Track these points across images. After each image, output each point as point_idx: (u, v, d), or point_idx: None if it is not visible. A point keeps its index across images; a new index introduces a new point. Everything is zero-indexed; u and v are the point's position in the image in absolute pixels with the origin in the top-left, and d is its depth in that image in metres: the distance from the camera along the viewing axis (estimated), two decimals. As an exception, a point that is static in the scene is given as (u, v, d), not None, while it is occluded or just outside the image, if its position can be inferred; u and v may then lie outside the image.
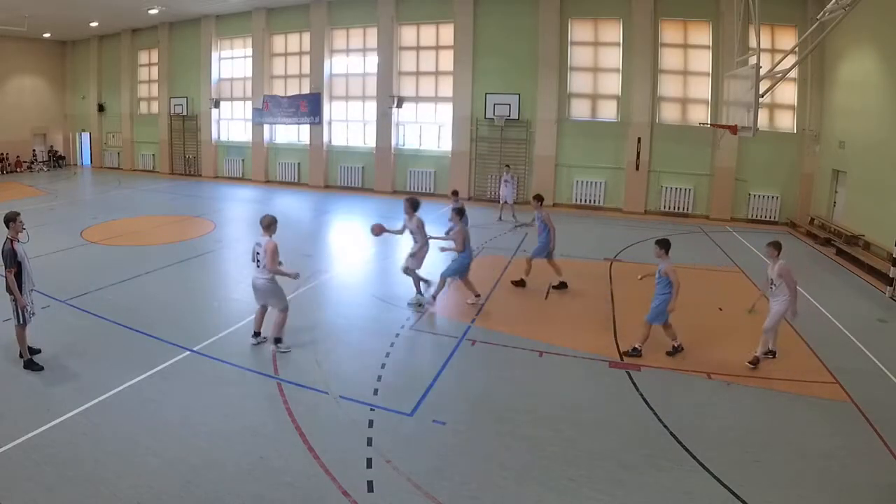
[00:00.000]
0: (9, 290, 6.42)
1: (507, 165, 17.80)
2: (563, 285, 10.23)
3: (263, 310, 7.31)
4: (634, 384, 6.65)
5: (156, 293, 9.55)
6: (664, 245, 7.23)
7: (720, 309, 9.34)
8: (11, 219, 6.48)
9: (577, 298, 9.85)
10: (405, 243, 11.33)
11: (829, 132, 16.01)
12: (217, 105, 24.98)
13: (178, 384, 6.36)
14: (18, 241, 6.47)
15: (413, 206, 9.01)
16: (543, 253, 10.24)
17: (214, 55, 24.80)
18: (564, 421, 5.80)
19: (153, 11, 22.23)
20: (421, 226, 8.99)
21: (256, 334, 7.38)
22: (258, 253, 6.93)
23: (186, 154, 26.12)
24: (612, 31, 18.52)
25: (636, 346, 7.39)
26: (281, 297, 7.13)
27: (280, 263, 6.98)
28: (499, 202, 16.85)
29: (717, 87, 17.05)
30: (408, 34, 21.03)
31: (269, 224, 7.00)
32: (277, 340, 7.14)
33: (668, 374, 6.92)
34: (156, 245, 12.93)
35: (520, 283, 10.37)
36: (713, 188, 17.86)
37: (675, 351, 7.43)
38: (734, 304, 9.56)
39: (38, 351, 6.80)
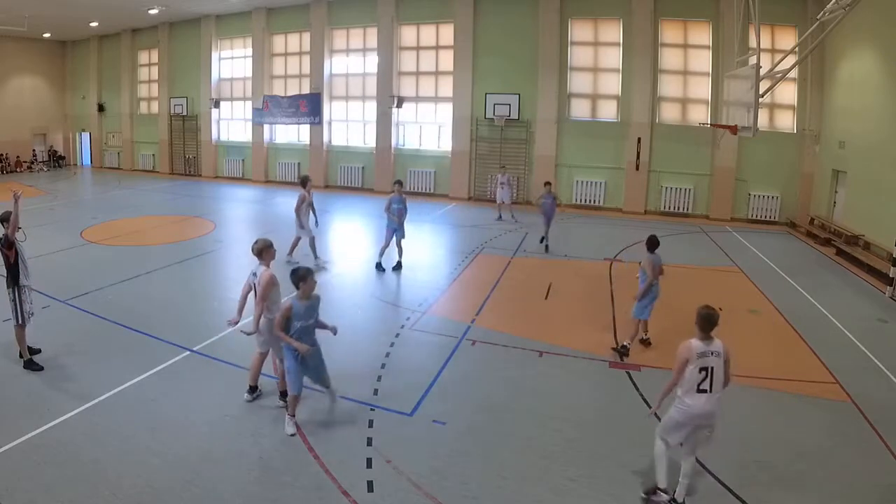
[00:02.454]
0: (9, 279, 6.45)
1: (503, 166, 17.84)
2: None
3: (262, 357, 6.01)
4: (634, 384, 6.65)
5: (156, 293, 9.54)
6: (649, 243, 7.51)
7: (720, 309, 9.31)
8: (6, 219, 6.52)
9: (577, 298, 9.84)
10: (403, 244, 11.38)
11: (829, 132, 16.01)
12: (217, 105, 24.98)
13: (178, 384, 6.35)
14: (16, 240, 6.51)
15: None
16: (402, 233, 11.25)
17: (214, 55, 24.80)
18: (564, 421, 5.80)
19: (153, 11, 22.23)
20: None
21: (253, 389, 6.03)
22: (254, 286, 5.82)
23: (186, 154, 26.12)
24: (612, 31, 18.52)
25: (645, 336, 7.64)
26: (269, 338, 5.78)
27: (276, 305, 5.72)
28: (508, 202, 16.70)
29: (717, 87, 17.05)
30: (408, 34, 21.03)
31: (263, 250, 5.84)
32: (284, 395, 5.84)
33: (669, 374, 6.86)
34: (156, 245, 12.93)
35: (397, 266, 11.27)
36: (713, 188, 17.86)
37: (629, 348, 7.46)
38: (734, 304, 9.57)
39: (38, 351, 6.80)
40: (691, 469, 4.52)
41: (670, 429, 4.52)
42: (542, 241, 13.21)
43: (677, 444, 4.55)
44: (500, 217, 16.62)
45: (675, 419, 4.49)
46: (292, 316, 5.23)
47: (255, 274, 5.86)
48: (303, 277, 5.28)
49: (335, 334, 5.54)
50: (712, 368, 4.40)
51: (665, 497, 4.52)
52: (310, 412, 5.83)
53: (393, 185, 11.47)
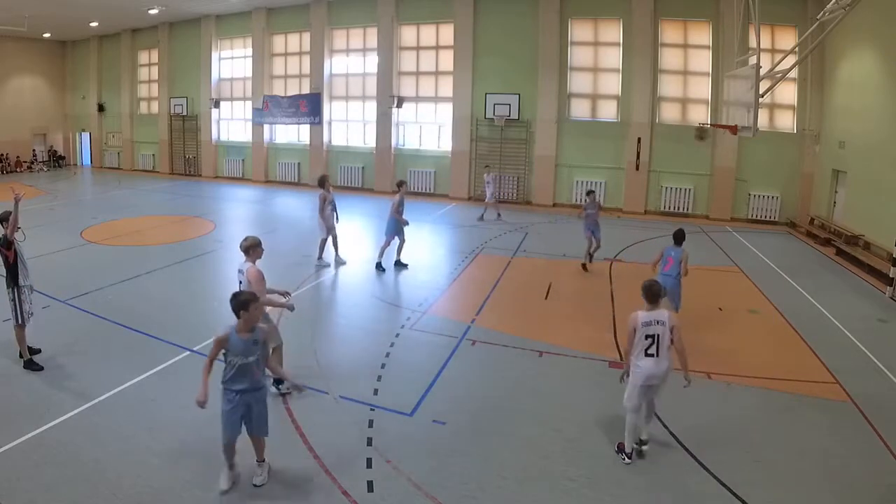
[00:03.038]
0: (8, 279, 6.44)
1: (487, 165, 18.00)
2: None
3: None
4: (634, 384, 6.64)
5: (156, 293, 9.54)
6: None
7: (720, 309, 9.35)
8: (5, 218, 6.56)
9: (577, 298, 9.84)
10: (404, 244, 11.38)
11: (829, 132, 16.01)
12: (217, 105, 24.98)
13: (178, 384, 6.34)
14: (15, 240, 6.54)
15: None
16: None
17: (214, 55, 24.80)
18: (564, 421, 5.80)
19: (153, 11, 22.24)
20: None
21: None
22: (241, 283, 5.77)
23: (186, 154, 26.12)
24: (612, 31, 18.52)
25: None
26: (275, 333, 5.96)
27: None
28: (491, 201, 16.73)
29: (717, 87, 17.05)
30: (408, 34, 21.03)
31: (250, 247, 5.88)
32: (279, 382, 6.05)
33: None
34: (156, 245, 12.93)
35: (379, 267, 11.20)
36: (713, 188, 17.86)
37: None
38: (734, 304, 9.58)
39: (38, 351, 6.80)
40: (648, 417, 5.25)
41: (632, 393, 5.08)
42: (588, 262, 11.68)
43: (642, 406, 5.13)
44: (499, 215, 16.70)
45: (633, 382, 5.07)
46: (228, 349, 4.39)
47: (241, 271, 5.85)
48: (244, 304, 4.37)
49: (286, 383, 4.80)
50: (658, 335, 4.96)
51: (628, 460, 5.14)
52: (310, 412, 5.83)
53: (399, 185, 11.25)
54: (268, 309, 5.91)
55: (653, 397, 5.16)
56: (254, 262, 5.85)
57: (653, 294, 5.02)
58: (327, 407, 5.95)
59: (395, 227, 11.01)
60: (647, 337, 4.94)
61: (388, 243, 11.15)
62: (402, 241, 11.20)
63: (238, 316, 4.39)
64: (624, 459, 5.14)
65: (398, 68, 21.14)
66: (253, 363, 4.43)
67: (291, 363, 6.89)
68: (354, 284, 10.63)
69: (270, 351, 4.87)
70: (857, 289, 10.94)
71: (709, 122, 16.59)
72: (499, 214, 16.80)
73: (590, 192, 11.94)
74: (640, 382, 4.99)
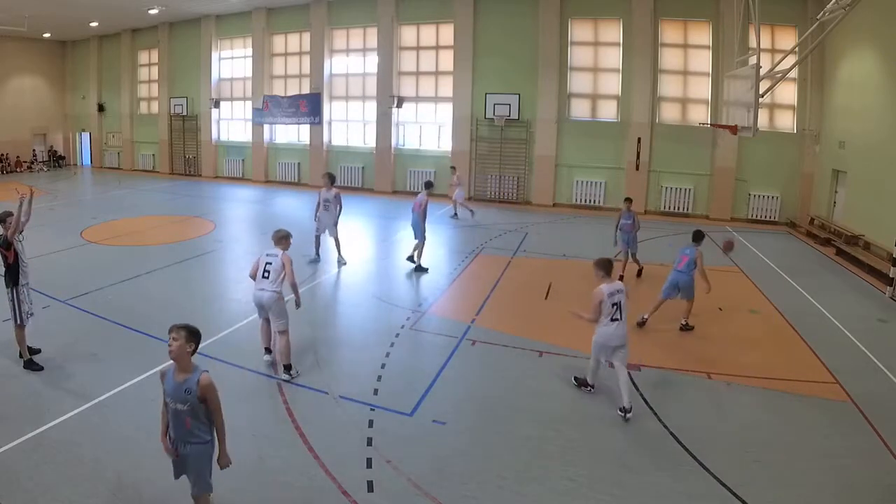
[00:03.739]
0: (7, 279, 6.45)
1: (453, 167, 18.22)
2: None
3: (268, 322, 6.68)
4: (635, 384, 6.63)
5: (156, 293, 9.54)
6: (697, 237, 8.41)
7: (720, 309, 9.35)
8: (3, 219, 6.57)
9: (578, 298, 9.82)
10: (404, 244, 11.38)
11: (829, 132, 16.01)
12: (217, 105, 24.98)
13: (178, 384, 6.35)
14: (14, 241, 6.54)
15: None
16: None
17: (214, 55, 24.79)
18: (564, 421, 5.81)
19: (153, 11, 22.24)
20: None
21: (269, 350, 6.81)
22: (269, 263, 6.50)
23: (186, 154, 26.12)
24: (612, 31, 18.52)
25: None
26: (286, 314, 6.60)
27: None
28: (461, 199, 16.96)
29: (717, 87, 17.05)
30: (408, 34, 21.03)
31: (283, 237, 6.75)
32: (288, 368, 6.55)
33: (668, 374, 6.92)
34: (156, 245, 12.92)
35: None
36: (713, 188, 17.86)
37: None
38: (734, 304, 9.58)
39: (38, 351, 6.80)
40: (626, 379, 5.89)
41: (596, 350, 6.05)
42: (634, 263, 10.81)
43: (605, 361, 6.05)
44: (456, 214, 16.91)
45: (597, 342, 6.00)
46: (164, 386, 3.92)
47: (274, 255, 6.57)
48: (170, 330, 3.81)
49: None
50: (620, 302, 5.84)
51: (588, 389, 6.30)
52: (310, 412, 5.83)
53: (426, 185, 11.46)
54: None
55: (622, 364, 5.91)
56: (285, 250, 6.65)
57: (610, 266, 5.97)
58: (327, 407, 5.95)
59: (419, 227, 11.09)
60: (612, 305, 5.79)
61: (423, 244, 11.18)
62: (420, 241, 11.24)
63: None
64: (589, 389, 6.25)
65: (398, 68, 21.13)
66: (184, 413, 3.80)
67: (292, 363, 6.91)
68: (354, 284, 10.63)
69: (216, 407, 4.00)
70: (857, 289, 10.94)
71: (709, 122, 16.58)
72: (455, 214, 16.95)
73: (627, 199, 11.04)
74: (605, 342, 5.92)
